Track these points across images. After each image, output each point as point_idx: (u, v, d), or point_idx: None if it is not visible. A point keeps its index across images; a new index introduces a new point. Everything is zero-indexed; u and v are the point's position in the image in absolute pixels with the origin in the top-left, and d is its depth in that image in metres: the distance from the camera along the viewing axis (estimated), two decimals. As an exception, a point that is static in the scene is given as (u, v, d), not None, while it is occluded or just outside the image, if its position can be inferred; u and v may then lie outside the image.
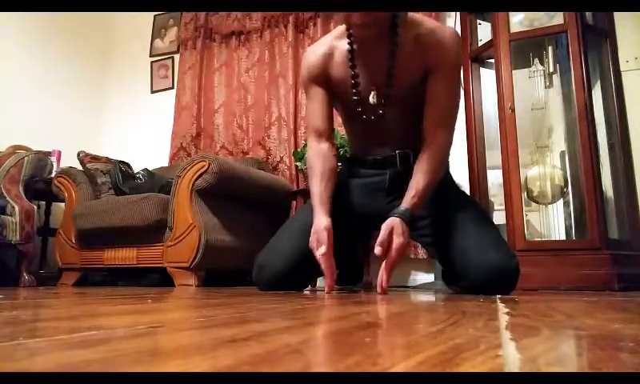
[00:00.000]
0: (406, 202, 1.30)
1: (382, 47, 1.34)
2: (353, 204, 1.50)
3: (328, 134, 1.47)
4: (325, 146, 1.44)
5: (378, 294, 1.23)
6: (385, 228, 1.25)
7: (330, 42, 1.45)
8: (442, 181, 1.39)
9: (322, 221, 1.30)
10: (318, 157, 1.42)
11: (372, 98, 1.40)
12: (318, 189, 1.37)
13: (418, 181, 1.31)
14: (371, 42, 1.34)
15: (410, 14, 1.36)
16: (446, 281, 1.61)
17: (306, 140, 2.62)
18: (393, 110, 1.39)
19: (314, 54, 1.47)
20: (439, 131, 1.36)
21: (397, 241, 1.23)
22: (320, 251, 1.26)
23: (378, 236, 1.26)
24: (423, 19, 1.39)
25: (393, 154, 1.47)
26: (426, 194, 1.32)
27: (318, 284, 1.50)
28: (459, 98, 1.45)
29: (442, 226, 1.37)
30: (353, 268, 1.84)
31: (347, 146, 1.90)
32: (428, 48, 1.33)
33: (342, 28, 1.43)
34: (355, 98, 1.40)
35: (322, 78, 1.45)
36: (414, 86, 1.37)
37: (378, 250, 1.24)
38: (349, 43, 1.38)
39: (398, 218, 1.26)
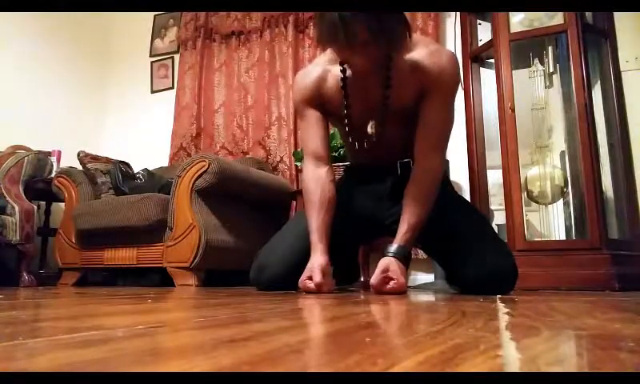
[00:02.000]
0: (399, 239, 1.28)
1: (376, 75, 1.31)
2: (353, 208, 1.49)
3: (326, 157, 1.42)
4: (323, 171, 1.39)
5: (385, 294, 1.23)
6: (379, 269, 1.23)
7: (323, 66, 1.40)
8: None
9: (319, 259, 1.27)
10: (317, 185, 1.38)
11: (370, 128, 1.38)
12: (317, 222, 1.33)
13: (410, 215, 1.29)
14: (366, 70, 1.29)
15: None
16: (449, 280, 1.61)
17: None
18: (389, 129, 1.37)
19: (307, 77, 1.43)
20: (431, 155, 1.34)
21: (392, 284, 1.21)
22: (315, 287, 1.24)
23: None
24: (419, 41, 1.34)
25: (394, 162, 1.46)
26: (419, 228, 1.30)
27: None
28: (453, 121, 1.40)
29: (440, 229, 1.37)
30: (350, 268, 1.84)
31: (346, 155, 1.89)
32: (425, 73, 1.29)
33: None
34: (346, 128, 1.39)
35: (316, 100, 1.41)
36: (410, 107, 1.34)
37: (373, 290, 1.23)
38: (342, 71, 1.34)
39: (392, 258, 1.24)
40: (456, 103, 1.41)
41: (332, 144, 2.37)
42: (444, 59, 1.31)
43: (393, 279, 1.22)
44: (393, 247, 1.27)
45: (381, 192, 1.48)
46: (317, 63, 1.46)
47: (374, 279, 1.23)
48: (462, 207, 1.48)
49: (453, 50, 2.57)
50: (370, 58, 1.20)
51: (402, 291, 1.23)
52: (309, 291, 1.25)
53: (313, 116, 1.42)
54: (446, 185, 1.48)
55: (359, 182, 1.53)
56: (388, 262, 1.24)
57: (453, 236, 1.35)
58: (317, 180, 1.38)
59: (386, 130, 1.37)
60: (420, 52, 1.30)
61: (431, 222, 1.37)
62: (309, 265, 1.28)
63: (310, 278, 1.25)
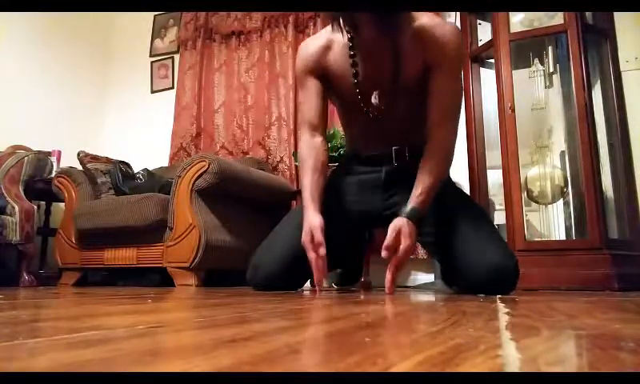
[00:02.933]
0: (413, 200, 1.27)
1: (383, 44, 1.31)
2: (350, 202, 1.49)
3: (322, 128, 1.45)
4: (318, 140, 1.42)
5: (381, 294, 1.23)
6: (392, 229, 1.23)
7: (327, 35, 1.41)
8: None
9: (314, 218, 1.28)
10: (311, 150, 1.40)
11: (374, 98, 1.38)
12: (309, 182, 1.35)
13: (424, 179, 1.29)
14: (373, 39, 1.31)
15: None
16: (446, 281, 1.61)
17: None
18: (394, 105, 1.38)
19: (310, 45, 1.44)
20: (443, 126, 1.35)
21: (404, 243, 1.21)
22: (319, 252, 1.24)
23: (379, 234, 1.25)
24: (421, 14, 1.35)
25: (389, 150, 1.46)
26: (433, 192, 1.30)
27: (307, 284, 1.50)
28: (461, 92, 1.43)
29: (441, 227, 1.37)
30: (351, 268, 1.84)
31: (345, 143, 1.88)
32: (429, 44, 1.31)
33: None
34: (358, 95, 1.38)
35: (319, 70, 1.42)
36: (415, 82, 1.35)
37: (384, 253, 1.22)
38: (349, 39, 1.35)
39: (405, 219, 1.24)
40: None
41: (332, 144, 2.37)
42: (446, 31, 1.32)
43: (404, 240, 1.21)
44: (406, 208, 1.27)
45: (377, 182, 1.47)
46: (320, 33, 1.47)
47: (387, 241, 1.22)
48: (465, 205, 1.47)
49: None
50: (376, 34, 1.22)
51: (409, 252, 1.23)
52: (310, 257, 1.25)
53: (313, 86, 1.43)
54: (448, 181, 1.48)
55: (354, 172, 1.52)
56: (400, 223, 1.23)
57: (454, 235, 1.35)
58: (311, 146, 1.41)
59: (392, 104, 1.37)
60: (423, 23, 1.32)
61: (434, 220, 1.37)
62: (305, 224, 1.28)
63: (312, 239, 1.25)
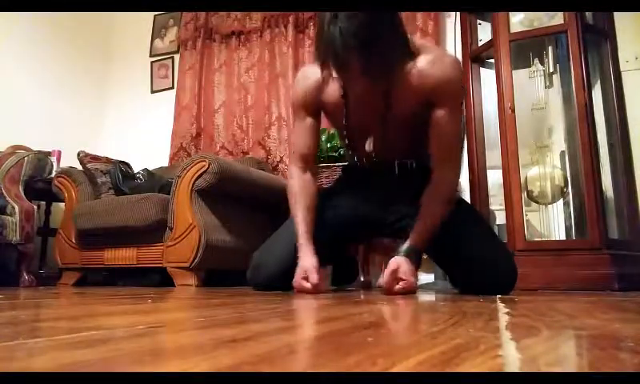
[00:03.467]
0: (413, 239, 1.28)
1: (377, 90, 1.27)
2: (351, 209, 1.49)
3: (313, 161, 1.49)
4: (308, 176, 1.45)
5: (380, 294, 1.23)
6: (390, 267, 1.23)
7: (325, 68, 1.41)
8: None
9: (309, 259, 1.29)
10: (303, 189, 1.42)
11: (368, 146, 1.39)
12: (303, 223, 1.36)
13: (426, 219, 1.29)
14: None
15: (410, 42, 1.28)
16: (452, 282, 1.61)
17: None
18: (390, 139, 1.37)
19: (307, 79, 1.42)
20: (445, 165, 1.34)
21: (404, 283, 1.21)
22: (313, 289, 1.25)
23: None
24: (422, 49, 1.30)
25: (392, 164, 1.46)
26: (432, 231, 1.30)
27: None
28: (463, 127, 1.42)
29: (440, 230, 1.36)
30: (348, 267, 1.84)
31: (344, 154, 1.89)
32: (429, 82, 1.26)
33: None
34: (346, 141, 1.41)
35: (315, 106, 1.42)
36: (412, 117, 1.33)
37: (382, 290, 1.23)
38: (342, 87, 1.33)
39: (403, 258, 1.24)
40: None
41: (332, 144, 2.37)
42: (448, 68, 1.28)
43: (403, 279, 1.21)
44: (404, 246, 1.27)
45: (379, 192, 1.47)
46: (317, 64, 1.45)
47: (384, 279, 1.22)
48: (462, 209, 1.47)
49: (453, 52, 2.59)
50: (365, 86, 1.19)
51: (411, 291, 1.22)
52: (304, 291, 1.25)
53: (307, 122, 1.44)
54: None
55: (357, 182, 1.53)
56: (398, 262, 1.23)
57: (453, 237, 1.35)
58: (302, 186, 1.43)
59: (385, 141, 1.37)
60: (422, 61, 1.27)
61: None
62: (300, 266, 1.29)
63: (306, 279, 1.25)
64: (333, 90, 1.37)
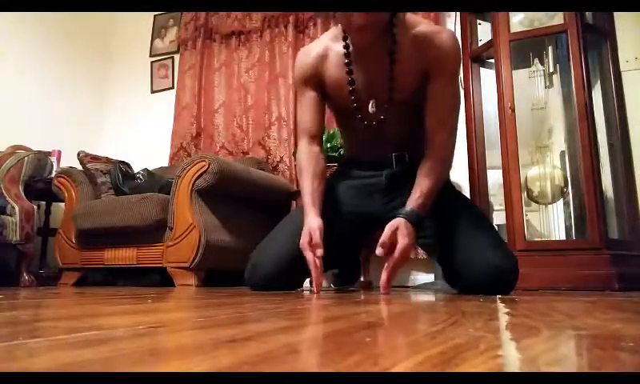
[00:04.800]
0: (412, 202, 1.27)
1: (379, 52, 1.31)
2: (350, 205, 1.49)
3: (319, 137, 1.47)
4: (316, 148, 1.44)
5: (380, 294, 1.23)
6: (388, 228, 1.23)
7: (325, 43, 1.41)
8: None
9: (314, 220, 1.29)
10: (309, 158, 1.41)
11: (371, 107, 1.38)
12: (310, 188, 1.36)
13: (423, 182, 1.29)
14: (368, 46, 1.31)
15: (407, 15, 1.34)
16: (448, 281, 1.61)
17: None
18: (391, 113, 1.38)
19: (307, 54, 1.44)
20: (441, 133, 1.35)
21: (401, 242, 1.21)
22: (317, 253, 1.25)
23: (378, 235, 1.25)
24: (420, 21, 1.35)
25: (389, 155, 1.46)
26: (431, 196, 1.30)
27: (306, 284, 1.49)
28: (460, 99, 1.44)
29: (441, 228, 1.37)
30: (350, 268, 1.84)
31: (343, 148, 1.88)
32: (427, 52, 1.30)
33: (337, 30, 1.40)
34: (354, 104, 1.39)
35: (316, 79, 1.42)
36: (414, 89, 1.35)
37: (379, 250, 1.22)
38: (344, 47, 1.34)
39: (402, 219, 1.24)
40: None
41: (332, 144, 2.37)
42: (445, 37, 1.32)
43: (400, 241, 1.20)
44: (404, 209, 1.27)
45: (377, 186, 1.47)
46: (318, 41, 1.47)
47: (383, 238, 1.22)
48: (464, 207, 1.47)
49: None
50: (370, 17, 1.20)
51: (406, 253, 1.22)
52: (308, 257, 1.25)
53: (310, 96, 1.44)
54: (447, 184, 1.48)
55: (355, 176, 1.52)
56: (397, 223, 1.23)
57: (454, 235, 1.35)
58: (309, 154, 1.42)
59: (388, 110, 1.37)
60: (421, 30, 1.32)
61: (433, 221, 1.37)
62: (305, 226, 1.29)
63: (310, 240, 1.25)
64: (335, 61, 1.39)
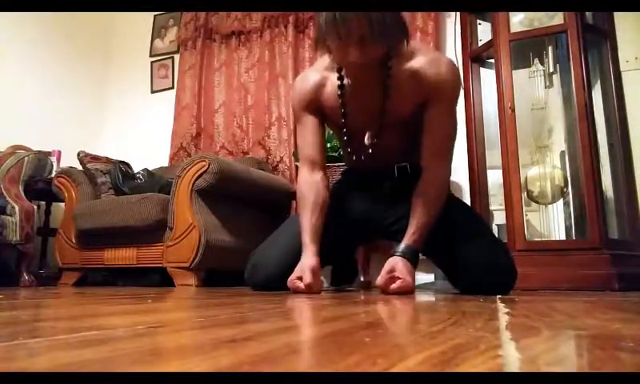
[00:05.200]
0: (407, 239, 1.27)
1: (374, 83, 1.30)
2: (351, 211, 1.49)
3: (321, 163, 1.44)
4: (318, 176, 1.41)
5: (380, 294, 1.23)
6: (386, 267, 1.23)
7: (322, 72, 1.40)
8: None
9: (310, 260, 1.27)
10: (311, 189, 1.39)
11: (367, 140, 1.38)
12: (309, 224, 1.33)
13: (419, 216, 1.29)
14: (363, 78, 1.29)
15: (406, 45, 1.29)
16: (450, 280, 1.61)
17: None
18: (387, 138, 1.37)
19: (305, 82, 1.43)
20: (437, 162, 1.34)
21: (401, 281, 1.20)
22: (308, 288, 1.23)
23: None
24: (418, 49, 1.33)
25: (390, 167, 1.47)
26: (427, 229, 1.30)
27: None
28: (456, 127, 1.41)
29: (439, 231, 1.36)
30: (346, 268, 1.84)
31: (343, 155, 1.88)
32: (425, 82, 1.28)
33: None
34: (345, 138, 1.39)
35: (314, 106, 1.41)
36: (409, 116, 1.34)
37: (380, 289, 1.22)
38: (339, 78, 1.33)
39: (399, 258, 1.23)
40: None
41: (332, 144, 2.37)
42: (444, 68, 1.30)
43: (399, 279, 1.20)
44: (400, 247, 1.27)
45: (378, 195, 1.48)
46: (315, 69, 1.45)
47: (380, 279, 1.22)
48: (461, 209, 1.48)
49: (453, 52, 2.59)
50: (366, 56, 1.18)
51: (408, 291, 1.22)
52: (298, 291, 1.24)
53: (310, 122, 1.42)
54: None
55: (357, 185, 1.53)
56: (394, 262, 1.23)
57: (452, 237, 1.35)
58: (311, 184, 1.39)
59: (382, 139, 1.37)
60: (419, 61, 1.29)
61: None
62: (299, 265, 1.28)
63: (300, 279, 1.24)
64: (331, 89, 1.38)
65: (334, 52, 1.24)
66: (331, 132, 2.36)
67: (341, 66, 1.32)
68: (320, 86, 1.40)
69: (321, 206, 1.37)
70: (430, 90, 1.29)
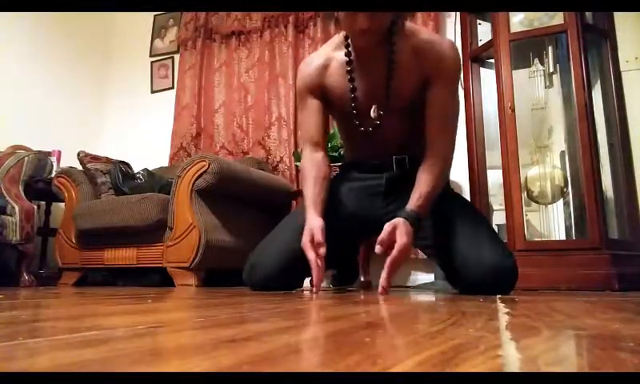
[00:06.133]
0: (411, 204, 1.28)
1: (379, 59, 1.35)
2: (350, 207, 1.49)
3: (323, 144, 1.48)
4: (319, 154, 1.45)
5: (379, 294, 1.23)
6: (387, 226, 1.23)
7: (327, 54, 1.45)
8: None
9: (315, 220, 1.29)
10: (312, 164, 1.42)
11: (373, 113, 1.40)
12: (312, 192, 1.36)
13: (423, 185, 1.31)
14: (369, 53, 1.34)
15: (407, 24, 1.35)
16: (450, 280, 1.61)
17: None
18: (390, 119, 1.40)
19: (310, 64, 1.47)
20: (441, 139, 1.36)
21: (400, 240, 1.20)
22: (319, 252, 1.24)
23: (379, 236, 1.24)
24: (420, 30, 1.39)
25: (389, 159, 1.47)
26: (430, 198, 1.31)
27: (305, 284, 1.49)
28: (459, 106, 1.45)
29: (439, 229, 1.37)
30: (348, 268, 1.84)
31: (343, 150, 1.89)
32: (427, 59, 1.33)
33: (338, 39, 1.43)
34: (354, 111, 1.41)
35: (318, 88, 1.45)
36: (412, 96, 1.37)
37: (378, 248, 1.22)
38: (346, 54, 1.38)
39: (402, 219, 1.24)
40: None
41: (332, 144, 2.37)
42: (445, 46, 1.35)
43: (398, 240, 1.20)
44: (404, 210, 1.27)
45: (377, 188, 1.48)
46: (320, 51, 1.50)
47: (382, 236, 1.22)
48: (462, 208, 1.48)
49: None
50: (374, 22, 1.21)
51: (404, 256, 1.22)
52: (309, 257, 1.24)
53: (313, 104, 1.46)
54: (446, 185, 1.48)
55: (355, 179, 1.53)
56: (396, 222, 1.23)
57: (453, 236, 1.35)
58: (312, 160, 1.44)
59: (387, 116, 1.38)
60: (421, 39, 1.34)
61: (431, 223, 1.37)
62: (306, 225, 1.28)
63: (312, 239, 1.25)
64: (336, 71, 1.42)
65: (343, 20, 1.27)
66: (331, 131, 2.36)
67: (348, 42, 1.36)
68: (324, 67, 1.44)
69: (322, 179, 1.40)
70: (432, 67, 1.33)
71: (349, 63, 1.38)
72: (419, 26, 1.47)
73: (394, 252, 1.21)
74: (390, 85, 1.35)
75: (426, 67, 1.33)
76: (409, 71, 1.34)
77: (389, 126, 1.40)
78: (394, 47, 1.32)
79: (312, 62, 1.48)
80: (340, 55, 1.40)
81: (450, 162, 1.42)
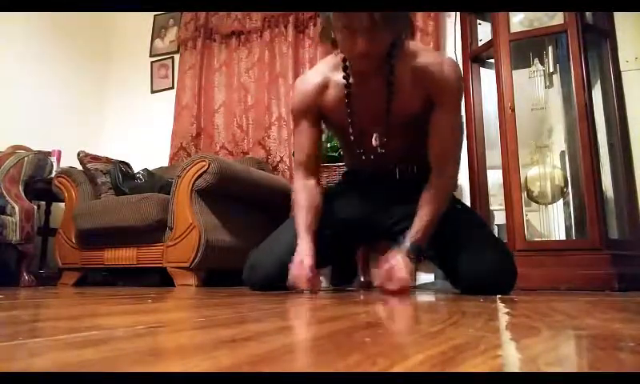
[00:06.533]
0: (411, 237, 1.28)
1: (378, 82, 1.30)
2: (351, 212, 1.49)
3: (315, 171, 1.46)
4: (312, 182, 1.43)
5: (379, 294, 1.23)
6: (385, 261, 1.23)
7: (324, 74, 1.39)
8: None
9: (307, 245, 1.29)
10: (305, 192, 1.41)
11: (374, 141, 1.38)
12: (304, 220, 1.35)
13: (423, 217, 1.30)
14: (368, 76, 1.30)
15: (407, 44, 1.29)
16: (450, 281, 1.61)
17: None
18: (393, 139, 1.37)
19: (306, 84, 1.41)
20: (445, 165, 1.35)
21: (399, 276, 1.20)
22: (309, 282, 1.24)
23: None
24: (419, 50, 1.33)
25: (392, 168, 1.47)
26: (430, 229, 1.30)
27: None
28: (463, 128, 1.43)
29: (439, 232, 1.36)
30: (345, 268, 1.84)
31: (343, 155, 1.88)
32: (428, 82, 1.29)
33: (336, 59, 1.37)
34: (352, 137, 1.39)
35: (315, 110, 1.40)
36: (415, 114, 1.34)
37: (376, 283, 1.24)
38: (345, 77, 1.32)
39: (400, 253, 1.24)
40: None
41: (332, 144, 2.37)
42: (446, 67, 1.30)
43: (397, 277, 1.20)
44: (403, 244, 1.27)
45: (379, 195, 1.47)
46: (317, 70, 1.44)
47: (379, 278, 1.22)
48: (461, 210, 1.48)
49: (453, 52, 2.60)
50: (374, 46, 1.17)
51: (404, 291, 1.22)
52: (298, 286, 1.25)
53: (308, 128, 1.42)
54: None
55: (358, 185, 1.53)
56: (395, 257, 1.23)
57: (452, 238, 1.35)
58: (304, 188, 1.42)
59: (389, 140, 1.37)
60: (422, 59, 1.30)
61: None
62: (297, 255, 1.28)
63: (301, 269, 1.25)
64: (334, 90, 1.37)
65: (341, 43, 1.22)
66: (330, 133, 2.36)
67: (347, 60, 1.31)
68: (322, 87, 1.39)
69: (315, 209, 1.39)
70: (433, 88, 1.29)
71: (347, 86, 1.33)
72: (419, 43, 1.43)
73: (394, 287, 1.21)
74: (391, 108, 1.32)
75: (428, 90, 1.30)
76: (410, 94, 1.31)
77: (392, 145, 1.38)
78: (393, 70, 1.28)
79: (309, 80, 1.42)
80: (338, 77, 1.35)
81: (455, 182, 1.42)
